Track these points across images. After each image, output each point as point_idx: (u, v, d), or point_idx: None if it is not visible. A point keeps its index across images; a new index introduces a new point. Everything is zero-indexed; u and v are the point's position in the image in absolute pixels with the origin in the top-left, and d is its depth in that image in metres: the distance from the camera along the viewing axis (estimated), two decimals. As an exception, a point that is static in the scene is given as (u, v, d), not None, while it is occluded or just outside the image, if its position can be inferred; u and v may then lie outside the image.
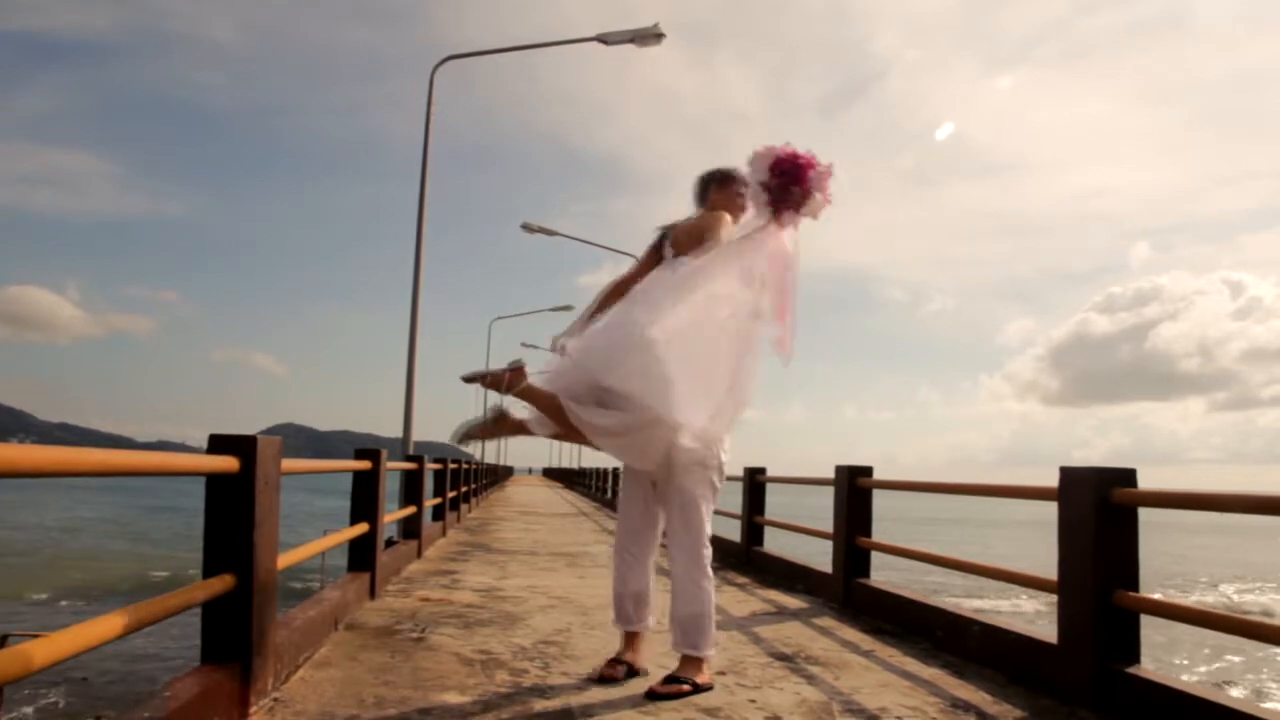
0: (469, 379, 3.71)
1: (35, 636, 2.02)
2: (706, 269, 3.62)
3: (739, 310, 3.63)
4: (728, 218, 3.83)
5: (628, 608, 3.85)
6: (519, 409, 3.72)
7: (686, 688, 3.53)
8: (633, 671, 3.80)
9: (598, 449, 3.73)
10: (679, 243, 3.85)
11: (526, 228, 21.68)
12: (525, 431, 3.81)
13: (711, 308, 3.57)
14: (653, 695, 3.49)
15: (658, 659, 3.91)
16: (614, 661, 3.86)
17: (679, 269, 3.71)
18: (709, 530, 3.73)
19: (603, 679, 3.75)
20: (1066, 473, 3.79)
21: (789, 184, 3.72)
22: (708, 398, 3.53)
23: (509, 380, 3.58)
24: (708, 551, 3.71)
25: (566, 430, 3.61)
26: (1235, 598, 27.38)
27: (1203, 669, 15.29)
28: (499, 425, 3.81)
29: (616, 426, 3.50)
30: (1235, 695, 3.25)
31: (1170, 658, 15.20)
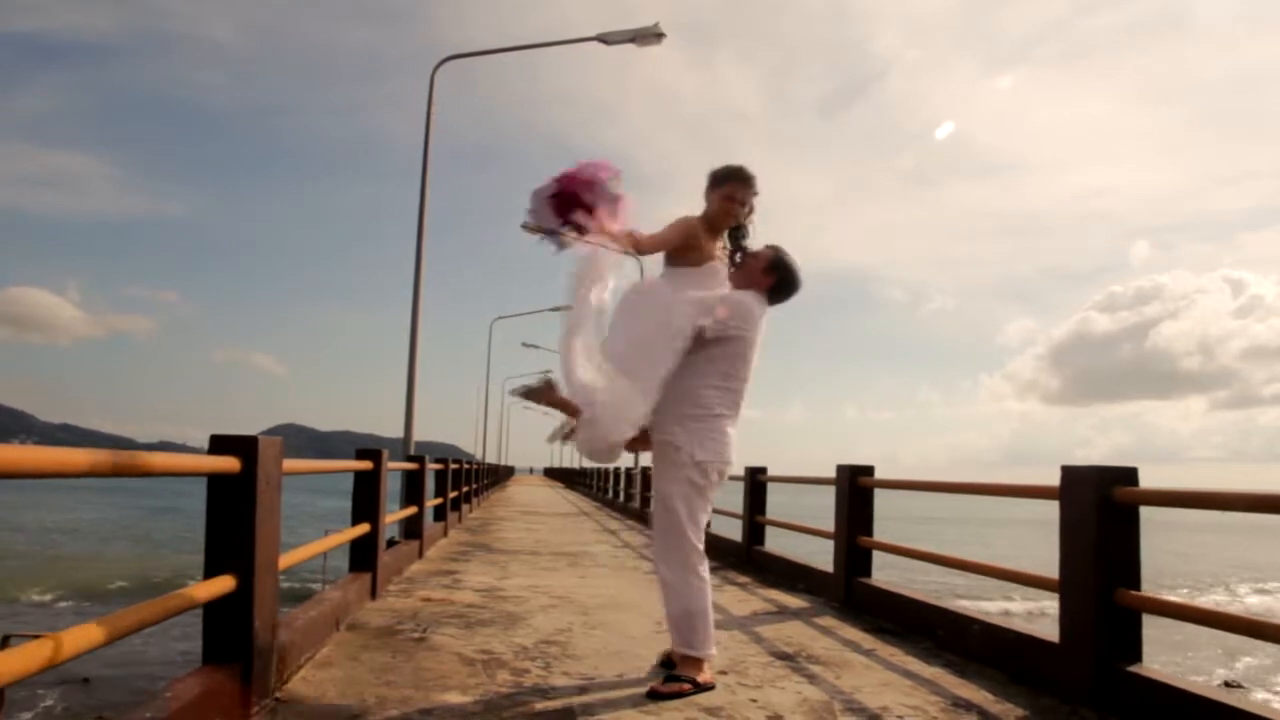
0: (520, 394, 3.87)
1: (36, 637, 2.02)
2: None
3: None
4: (689, 223, 3.88)
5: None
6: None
7: (687, 687, 3.54)
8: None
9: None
10: None
11: (526, 228, 21.63)
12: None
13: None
14: (654, 695, 3.50)
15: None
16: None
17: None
18: (690, 527, 3.72)
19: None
20: (1068, 471, 3.79)
21: (574, 207, 3.80)
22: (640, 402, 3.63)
23: (545, 395, 3.78)
24: (691, 548, 3.71)
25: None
26: (1251, 600, 27.27)
27: (1213, 671, 15.25)
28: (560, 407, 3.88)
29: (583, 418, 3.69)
30: (1239, 695, 3.25)
31: (1176, 657, 15.15)
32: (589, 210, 3.77)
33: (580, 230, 3.76)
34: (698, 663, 3.64)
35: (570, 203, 3.80)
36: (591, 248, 3.78)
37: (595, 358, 3.63)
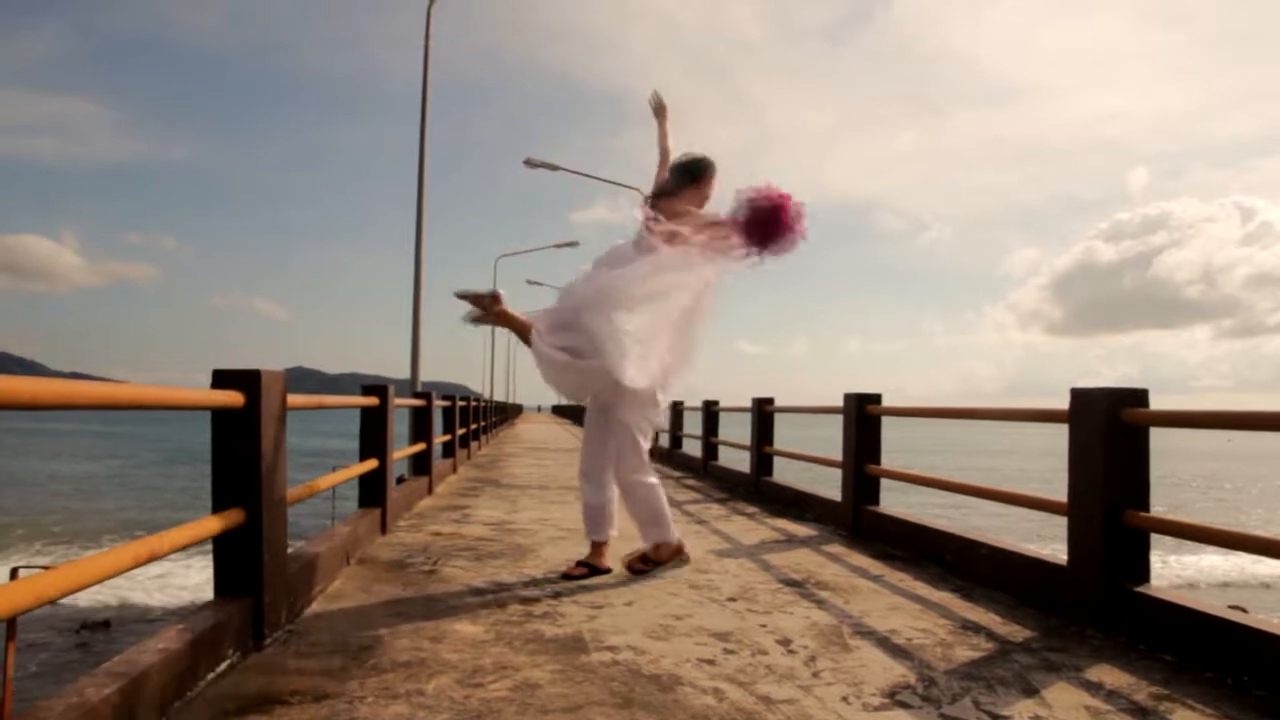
0: (461, 295, 4.25)
1: (45, 569, 2.02)
2: (674, 267, 4.14)
3: (685, 299, 4.21)
4: (700, 216, 4.29)
5: (596, 520, 4.57)
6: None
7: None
8: (596, 570, 4.49)
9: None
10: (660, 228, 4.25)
11: (529, 163, 21.48)
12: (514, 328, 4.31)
13: (671, 299, 4.15)
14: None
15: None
16: (579, 564, 4.54)
17: (657, 259, 4.16)
18: (645, 449, 4.43)
19: (567, 576, 4.43)
20: (1077, 394, 3.76)
21: (765, 231, 4.09)
22: (658, 367, 4.17)
23: (488, 304, 4.19)
24: (646, 463, 4.43)
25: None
26: None
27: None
28: (498, 316, 4.26)
29: (561, 360, 4.13)
30: (1246, 616, 3.26)
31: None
32: (780, 234, 4.12)
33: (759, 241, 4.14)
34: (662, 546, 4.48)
35: (771, 221, 4.09)
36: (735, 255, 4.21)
37: (642, 327, 4.11)
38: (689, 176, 4.42)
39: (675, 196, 4.35)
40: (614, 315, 4.02)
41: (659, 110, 4.73)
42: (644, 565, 4.49)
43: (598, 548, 4.56)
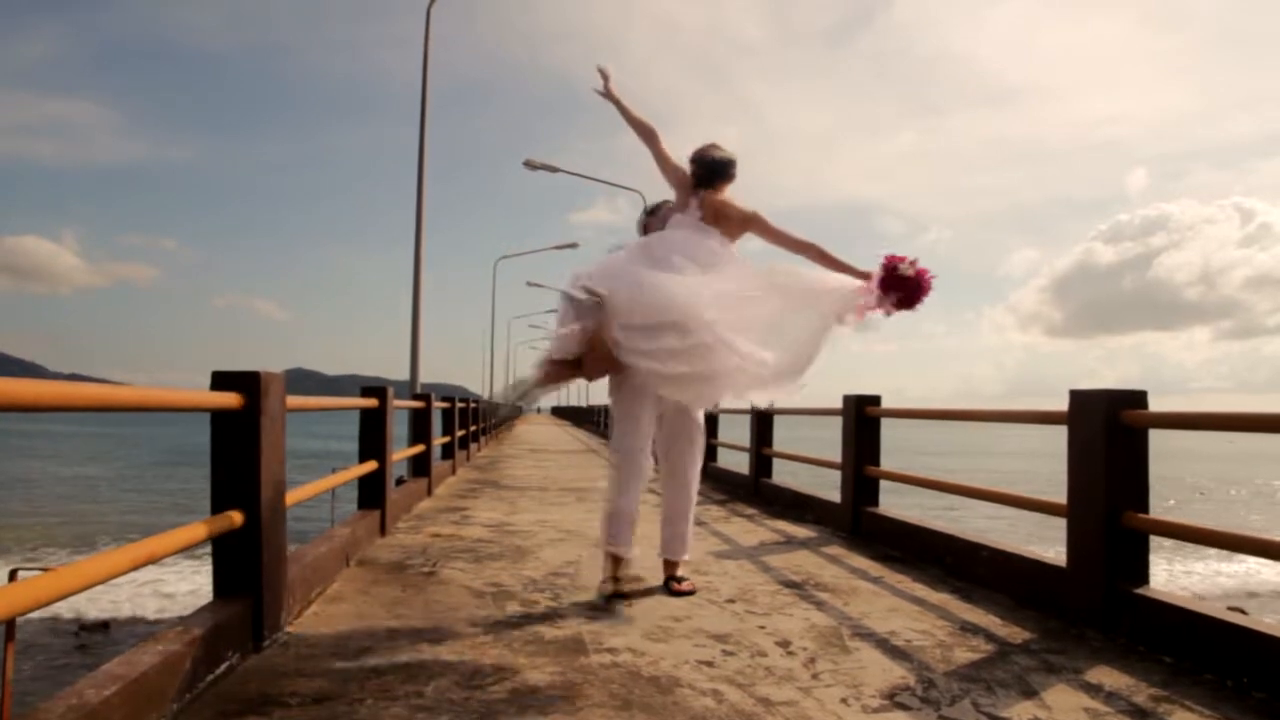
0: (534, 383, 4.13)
1: (45, 570, 2.02)
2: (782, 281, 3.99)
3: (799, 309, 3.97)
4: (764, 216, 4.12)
5: (625, 529, 4.09)
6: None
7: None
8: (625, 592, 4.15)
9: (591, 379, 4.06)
10: (717, 216, 4.11)
11: (529, 164, 21.49)
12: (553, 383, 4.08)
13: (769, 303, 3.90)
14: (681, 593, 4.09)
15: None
16: (615, 590, 4.07)
17: (743, 265, 4.03)
18: None
19: (611, 597, 4.03)
20: (1076, 396, 3.77)
21: (897, 295, 3.93)
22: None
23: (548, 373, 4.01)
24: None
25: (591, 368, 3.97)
26: None
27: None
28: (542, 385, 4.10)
29: (678, 373, 3.74)
30: (1246, 618, 3.25)
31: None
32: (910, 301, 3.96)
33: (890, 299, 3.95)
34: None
35: (910, 288, 3.95)
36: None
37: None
38: (728, 172, 4.28)
39: (711, 189, 4.24)
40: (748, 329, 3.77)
41: (607, 89, 4.36)
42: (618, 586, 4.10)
43: (618, 562, 4.08)
